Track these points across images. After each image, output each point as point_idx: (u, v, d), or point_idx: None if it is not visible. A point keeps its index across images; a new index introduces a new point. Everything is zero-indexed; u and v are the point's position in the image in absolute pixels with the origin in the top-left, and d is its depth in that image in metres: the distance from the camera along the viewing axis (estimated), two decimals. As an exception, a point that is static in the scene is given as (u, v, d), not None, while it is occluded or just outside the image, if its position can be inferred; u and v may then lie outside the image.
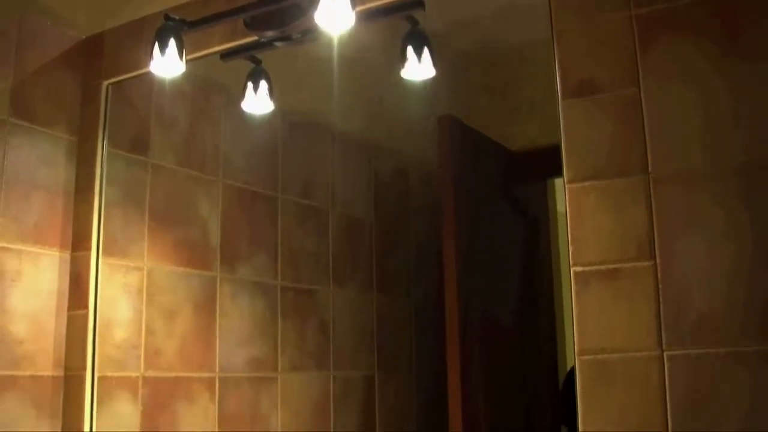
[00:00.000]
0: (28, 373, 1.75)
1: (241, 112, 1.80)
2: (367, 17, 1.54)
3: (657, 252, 1.25)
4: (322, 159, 2.10)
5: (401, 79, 1.56)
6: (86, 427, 1.79)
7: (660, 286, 1.24)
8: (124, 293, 1.85)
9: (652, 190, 1.27)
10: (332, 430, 1.88)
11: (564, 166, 1.33)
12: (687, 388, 1.20)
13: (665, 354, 1.22)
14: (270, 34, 1.63)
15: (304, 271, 2.04)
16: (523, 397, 1.67)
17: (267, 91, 1.77)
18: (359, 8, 1.51)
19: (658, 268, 1.25)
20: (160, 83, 1.87)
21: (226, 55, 1.74)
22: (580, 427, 1.26)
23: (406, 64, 1.57)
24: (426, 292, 2.00)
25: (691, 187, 1.24)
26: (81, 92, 1.94)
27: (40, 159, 1.83)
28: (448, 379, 1.63)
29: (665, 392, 1.21)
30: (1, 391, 1.70)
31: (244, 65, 1.76)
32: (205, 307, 1.90)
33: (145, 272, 1.86)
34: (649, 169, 1.27)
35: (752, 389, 1.16)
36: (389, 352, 1.90)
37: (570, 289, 1.30)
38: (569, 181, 1.33)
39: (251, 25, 1.63)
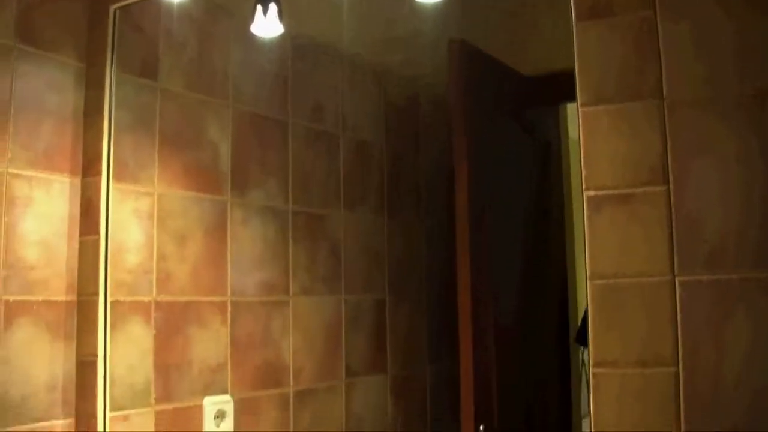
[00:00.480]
0: (41, 298, 1.77)
1: (251, 36, 1.78)
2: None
3: (670, 177, 1.24)
4: (332, 83, 2.08)
5: (413, 1, 1.54)
6: (100, 350, 1.81)
7: (673, 211, 1.24)
8: (135, 218, 1.86)
9: (666, 115, 1.25)
10: (343, 353, 1.90)
11: (578, 90, 1.31)
12: (698, 314, 1.20)
13: (677, 279, 1.22)
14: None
15: (315, 195, 2.04)
16: (533, 321, 1.67)
17: (276, 14, 1.74)
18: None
19: (672, 193, 1.24)
20: (168, 7, 1.85)
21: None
22: (591, 351, 1.27)
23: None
24: (437, 216, 2.00)
25: (706, 112, 1.23)
26: (88, 17, 1.91)
27: (49, 85, 1.82)
28: (458, 301, 1.64)
29: (676, 318, 1.21)
30: (16, 316, 1.71)
31: (253, -13, 1.74)
32: (216, 231, 1.91)
33: (155, 197, 1.86)
34: (664, 93, 1.26)
35: (764, 315, 1.16)
36: (400, 276, 1.91)
37: (582, 214, 1.30)
38: (583, 105, 1.31)
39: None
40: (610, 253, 1.27)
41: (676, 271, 1.22)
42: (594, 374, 1.27)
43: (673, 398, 1.21)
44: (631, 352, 1.24)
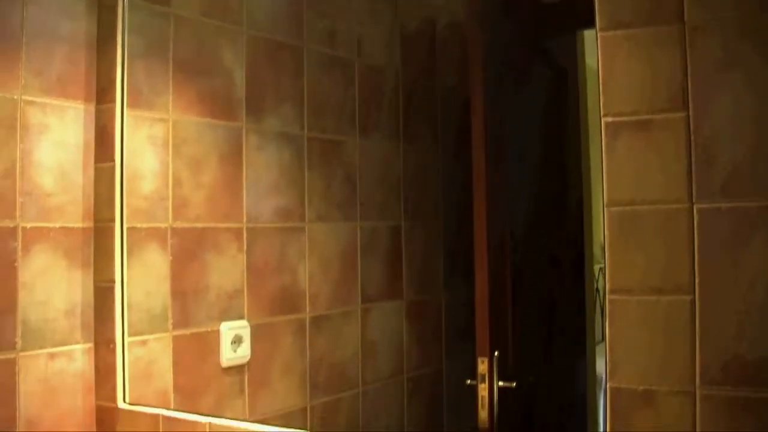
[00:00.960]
0: (58, 224, 1.78)
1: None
2: None
3: (690, 103, 1.22)
4: (347, 7, 2.06)
5: None
6: (117, 276, 1.83)
7: (691, 138, 1.22)
8: (150, 145, 1.86)
9: (687, 40, 1.23)
10: (359, 279, 1.90)
11: (597, 15, 1.28)
12: (716, 242, 1.19)
13: (695, 207, 1.21)
14: None
15: (330, 121, 2.03)
16: (549, 247, 1.67)
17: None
18: None
19: (691, 120, 1.22)
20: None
21: None
22: (607, 277, 1.27)
23: None
24: (453, 141, 1.99)
25: (727, 37, 1.20)
26: (99, -60, 1.89)
27: (61, 11, 1.80)
28: (474, 228, 1.64)
29: (693, 245, 1.20)
30: (33, 243, 1.72)
31: None
32: (232, 158, 1.91)
33: (170, 124, 1.86)
34: (685, 17, 1.23)
35: (782, 243, 1.16)
36: (416, 201, 1.90)
37: (599, 142, 1.28)
38: (601, 30, 1.29)
39: None
40: (628, 179, 1.26)
41: (694, 199, 1.21)
42: (610, 301, 1.27)
43: (690, 326, 1.21)
44: (647, 279, 1.24)
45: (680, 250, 1.21)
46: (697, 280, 1.20)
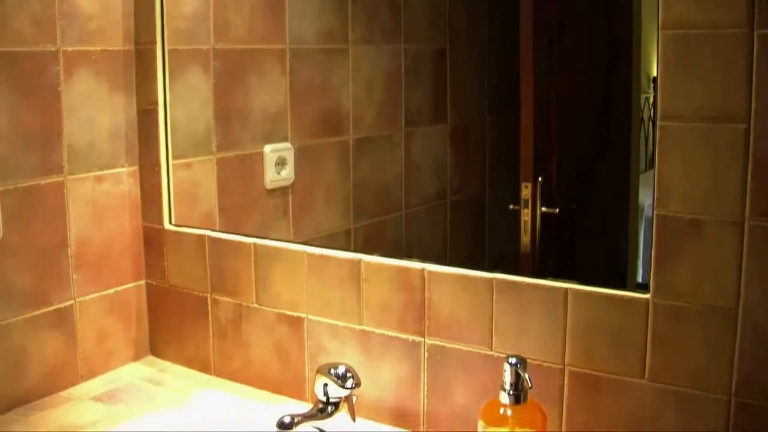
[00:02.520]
0: (99, 48, 1.76)
1: None
2: None
3: None
4: None
5: None
6: (160, 99, 1.82)
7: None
8: (189, -37, 1.81)
9: None
10: (403, 102, 1.88)
11: None
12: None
13: (756, 33, 1.15)
14: None
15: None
16: (595, 70, 1.62)
17: None
18: None
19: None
20: None
21: None
22: (659, 103, 1.24)
23: None
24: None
25: None
26: None
27: None
28: (520, 51, 1.60)
29: (751, 73, 1.16)
30: (75, 67, 1.71)
31: None
32: (273, -23, 1.86)
33: (209, -60, 1.81)
34: None
35: None
36: (462, 26, 1.85)
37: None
38: None
39: None
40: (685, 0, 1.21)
41: (755, 25, 1.15)
42: (661, 127, 1.24)
43: (742, 155, 1.18)
44: (700, 106, 1.21)
45: (737, 77, 1.17)
46: (753, 109, 1.17)
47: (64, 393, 1.73)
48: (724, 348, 1.24)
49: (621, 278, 1.50)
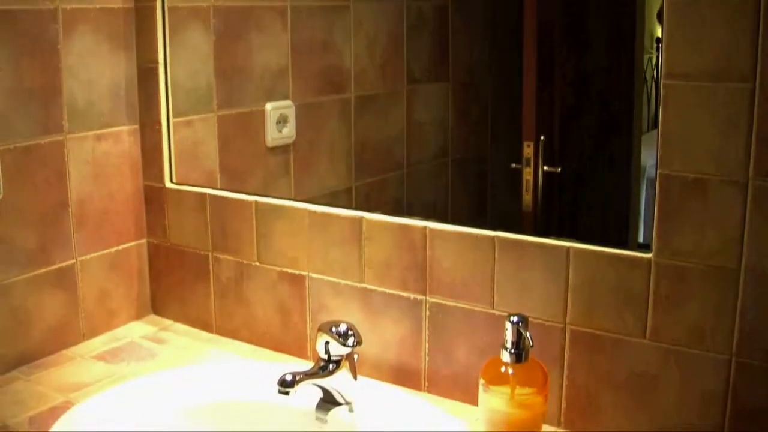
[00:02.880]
0: (98, 5, 1.74)
1: None
2: None
3: None
4: None
5: None
6: (160, 57, 1.81)
7: None
8: None
9: None
10: (405, 59, 1.87)
11: None
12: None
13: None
14: None
15: None
16: (597, 23, 1.61)
17: None
18: None
19: None
20: None
21: None
22: (663, 62, 1.23)
23: None
24: None
25: None
26: None
27: None
28: (523, 15, 1.59)
29: (757, 29, 1.15)
30: (74, 25, 1.70)
31: None
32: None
33: None
34: None
35: None
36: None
37: None
38: None
39: None
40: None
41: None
42: (665, 86, 1.23)
43: (747, 115, 1.17)
44: (705, 65, 1.20)
45: (742, 36, 1.16)
46: (758, 68, 1.15)
47: (67, 352, 1.74)
48: (726, 308, 1.24)
49: (622, 238, 1.50)
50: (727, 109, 1.19)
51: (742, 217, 1.20)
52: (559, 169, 1.55)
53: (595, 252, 1.34)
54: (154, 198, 1.87)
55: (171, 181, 1.85)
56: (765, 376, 1.23)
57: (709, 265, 1.24)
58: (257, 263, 1.74)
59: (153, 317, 1.92)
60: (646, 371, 1.33)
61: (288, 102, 1.85)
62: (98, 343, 1.78)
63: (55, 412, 1.46)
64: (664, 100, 1.24)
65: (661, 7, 1.22)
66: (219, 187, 1.81)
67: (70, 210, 1.73)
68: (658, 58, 1.26)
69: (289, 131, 1.85)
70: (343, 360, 1.39)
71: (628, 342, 1.33)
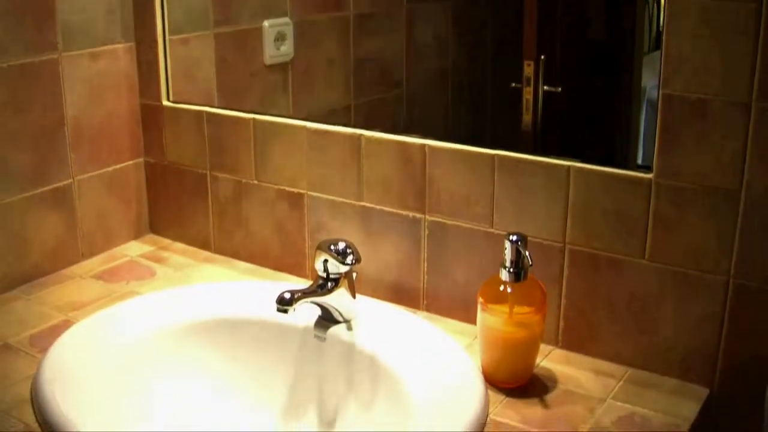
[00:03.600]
0: None
1: None
2: None
3: None
4: None
5: None
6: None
7: None
8: None
9: None
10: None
11: None
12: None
13: None
14: None
15: None
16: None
17: None
18: None
19: None
20: None
21: None
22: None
23: None
24: None
25: None
26: None
27: None
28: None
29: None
30: (67, -63, 1.67)
31: None
32: None
33: None
34: None
35: None
36: None
37: None
38: None
39: None
40: None
41: None
42: (669, 3, 1.21)
43: (752, 36, 1.15)
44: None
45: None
46: (764, -15, 1.14)
47: (66, 271, 1.74)
48: (725, 229, 1.24)
49: (623, 159, 1.50)
50: (732, 30, 1.17)
51: (744, 139, 1.20)
52: (560, 89, 1.53)
53: (595, 171, 1.34)
54: (151, 116, 1.86)
55: (168, 100, 1.83)
56: (762, 298, 1.24)
57: (710, 186, 1.24)
58: (255, 181, 1.73)
59: (151, 236, 1.92)
60: (644, 292, 1.33)
61: (286, 19, 1.82)
62: (97, 263, 1.79)
63: (56, 331, 1.47)
64: (667, 19, 1.22)
65: None
66: (216, 105, 1.80)
67: (66, 130, 1.71)
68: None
69: (287, 49, 1.83)
70: (342, 278, 1.39)
71: (627, 262, 1.34)
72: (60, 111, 1.70)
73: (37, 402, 1.25)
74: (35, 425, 1.22)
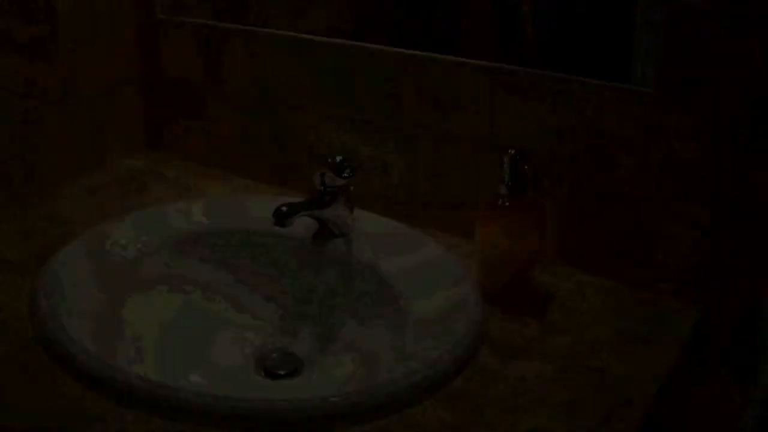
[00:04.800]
0: None
1: None
2: None
3: None
4: None
5: None
6: None
7: None
8: None
9: None
10: None
11: None
12: None
13: None
14: None
15: None
16: None
17: None
18: None
19: None
20: None
21: None
22: None
23: None
24: None
25: None
26: None
27: None
28: None
29: None
30: None
31: None
32: None
33: None
34: None
35: None
36: None
37: None
38: None
39: None
40: None
41: None
42: None
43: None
44: None
45: None
46: None
47: (61, 187, 1.72)
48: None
49: (624, 74, 1.46)
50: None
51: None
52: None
53: (596, 86, 1.32)
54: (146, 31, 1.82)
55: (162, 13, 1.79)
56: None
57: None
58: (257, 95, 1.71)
59: (147, 152, 1.89)
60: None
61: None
62: (92, 178, 1.76)
63: (52, 246, 1.45)
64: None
65: None
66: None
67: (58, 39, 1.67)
68: None
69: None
70: (339, 192, 1.38)
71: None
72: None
73: (36, 316, 1.25)
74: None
